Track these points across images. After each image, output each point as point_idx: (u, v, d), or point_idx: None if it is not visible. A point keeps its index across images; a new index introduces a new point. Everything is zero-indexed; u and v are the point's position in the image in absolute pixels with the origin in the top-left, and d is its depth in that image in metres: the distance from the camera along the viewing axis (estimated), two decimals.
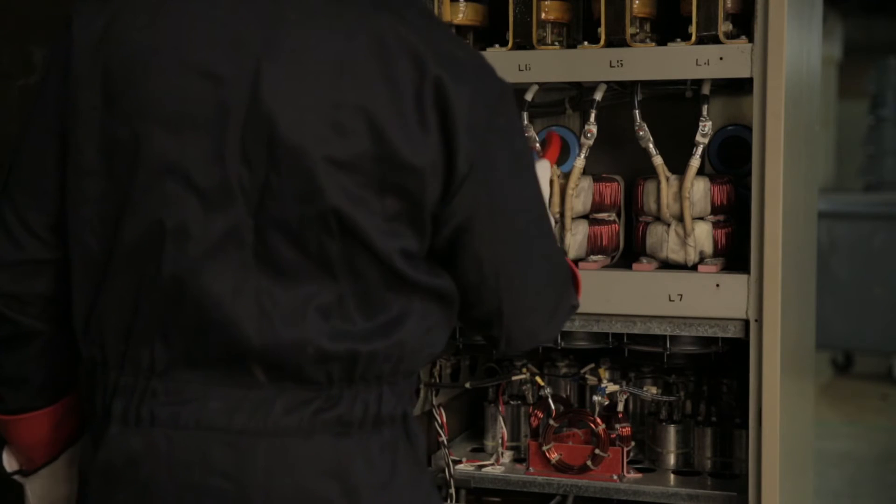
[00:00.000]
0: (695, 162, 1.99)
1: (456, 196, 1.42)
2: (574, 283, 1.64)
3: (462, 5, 2.12)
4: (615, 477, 2.11)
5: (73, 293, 1.47)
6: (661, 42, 2.01)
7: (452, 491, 2.16)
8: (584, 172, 2.06)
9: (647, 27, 2.06)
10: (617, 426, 2.13)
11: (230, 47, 1.38)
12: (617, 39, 2.01)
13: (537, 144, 2.09)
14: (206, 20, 1.40)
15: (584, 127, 2.05)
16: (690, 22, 1.97)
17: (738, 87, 2.16)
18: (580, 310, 2.01)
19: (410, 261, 1.43)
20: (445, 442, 2.21)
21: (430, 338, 1.49)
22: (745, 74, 1.92)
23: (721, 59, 1.93)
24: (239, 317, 1.39)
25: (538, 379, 2.21)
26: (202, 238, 1.38)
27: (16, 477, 1.64)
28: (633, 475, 2.13)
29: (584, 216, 2.10)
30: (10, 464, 1.64)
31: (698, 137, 1.98)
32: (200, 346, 1.41)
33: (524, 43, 2.06)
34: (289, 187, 1.37)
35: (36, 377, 1.55)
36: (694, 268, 2.00)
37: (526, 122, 2.08)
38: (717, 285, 1.95)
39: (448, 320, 1.51)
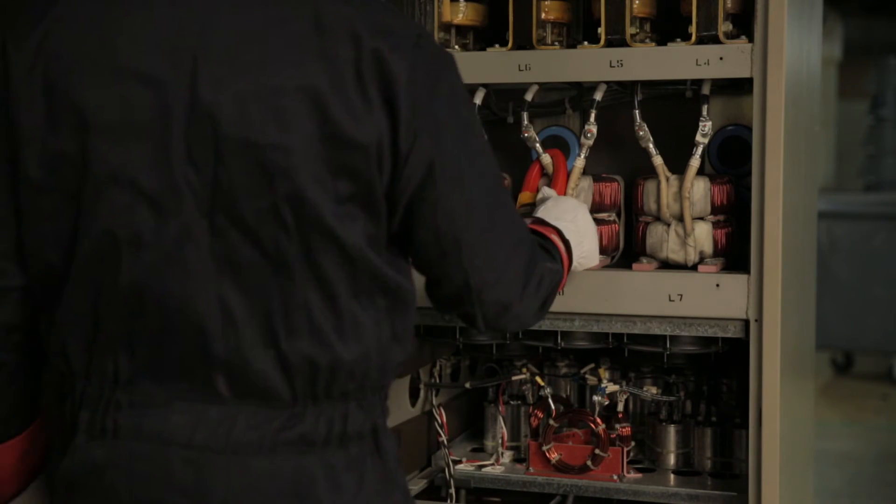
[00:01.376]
0: (695, 162, 1.99)
1: (405, 168, 1.40)
2: (557, 256, 1.65)
3: (462, 5, 2.12)
4: (615, 477, 2.11)
5: (35, 307, 1.45)
6: (661, 42, 2.01)
7: (452, 491, 2.16)
8: (584, 172, 2.06)
9: (647, 27, 2.06)
10: (617, 426, 2.13)
11: (165, 48, 1.37)
12: (617, 39, 2.01)
13: (538, 144, 2.09)
14: (139, 24, 1.38)
15: (584, 127, 2.05)
16: (690, 22, 1.97)
17: (738, 87, 2.16)
18: (580, 309, 2.02)
19: (370, 247, 1.41)
20: (445, 442, 2.21)
21: (395, 346, 1.47)
22: (745, 74, 1.92)
23: (721, 59, 1.93)
24: (202, 321, 1.38)
25: (538, 379, 2.21)
26: (156, 244, 1.38)
27: None
28: (633, 475, 2.13)
29: None
30: None
31: (698, 137, 1.98)
32: (164, 356, 1.40)
33: (524, 43, 2.06)
34: (239, 182, 1.36)
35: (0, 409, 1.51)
36: (694, 268, 2.00)
37: (526, 122, 2.08)
38: (717, 285, 1.95)
39: (409, 326, 1.49)
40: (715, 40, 1.95)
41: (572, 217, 1.86)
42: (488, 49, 2.09)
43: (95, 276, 1.40)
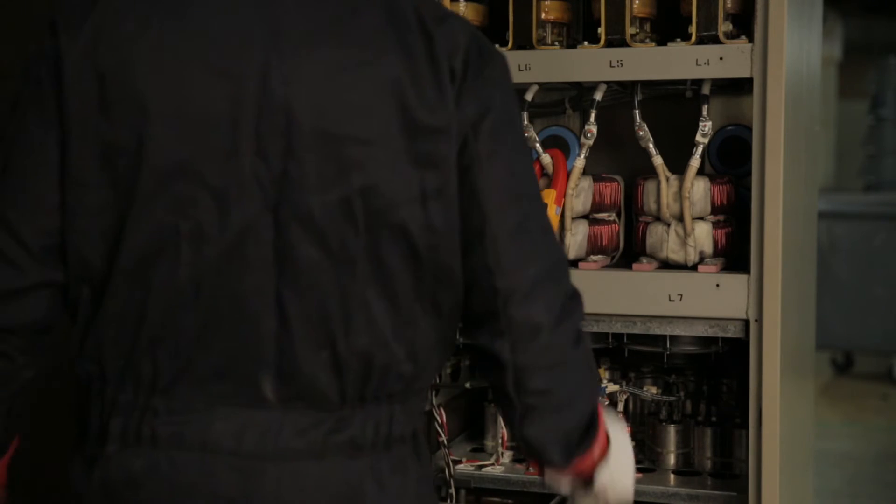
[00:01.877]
0: (695, 162, 1.99)
1: (467, 145, 1.39)
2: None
3: (462, 5, 2.12)
4: None
5: (69, 309, 1.41)
6: (661, 42, 2.01)
7: (452, 491, 2.16)
8: (584, 172, 2.06)
9: (647, 27, 2.06)
10: None
11: (233, 40, 1.35)
12: (617, 39, 2.01)
13: (538, 144, 2.09)
14: (204, 15, 1.36)
15: (584, 127, 2.05)
16: (690, 22, 1.97)
17: (738, 87, 2.16)
18: None
19: (439, 244, 1.39)
20: (445, 442, 2.21)
21: (442, 349, 1.45)
22: (745, 74, 1.92)
23: (721, 59, 1.93)
24: (256, 319, 1.35)
25: None
26: (219, 238, 1.34)
27: None
28: None
29: (584, 216, 2.10)
30: None
31: (698, 137, 1.98)
32: (209, 357, 1.36)
33: (524, 43, 2.06)
34: (311, 175, 1.34)
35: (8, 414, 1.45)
36: (694, 268, 2.00)
37: (526, 122, 2.08)
38: (717, 285, 1.95)
39: (456, 329, 1.47)
40: (715, 40, 1.95)
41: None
42: None
43: (147, 272, 1.35)
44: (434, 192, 1.38)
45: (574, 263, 2.06)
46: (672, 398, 2.21)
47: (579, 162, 2.05)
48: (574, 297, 1.48)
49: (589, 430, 1.49)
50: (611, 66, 2.00)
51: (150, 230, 1.35)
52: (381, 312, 1.38)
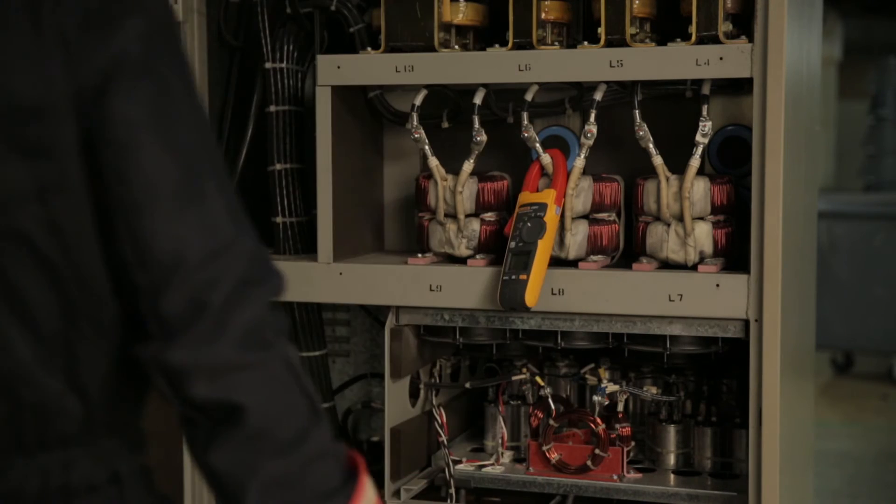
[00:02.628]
0: (695, 162, 1.99)
1: (91, 121, 1.14)
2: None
3: (462, 5, 2.12)
4: (615, 477, 2.11)
5: None
6: (661, 42, 2.01)
7: (452, 491, 2.16)
8: (584, 172, 2.06)
9: (647, 27, 2.06)
10: (617, 426, 2.13)
11: None
12: (617, 39, 2.01)
13: (538, 144, 2.09)
14: None
15: (584, 127, 2.05)
16: (690, 22, 1.97)
17: (738, 87, 2.16)
18: (580, 309, 2.02)
19: (63, 239, 1.15)
20: (445, 442, 2.21)
21: (120, 378, 1.22)
22: (745, 74, 1.92)
23: (721, 59, 1.93)
24: None
25: (538, 379, 2.21)
26: None
27: None
28: (633, 475, 2.13)
29: (584, 216, 2.10)
30: None
31: (698, 137, 1.98)
32: None
33: (524, 43, 2.06)
34: None
35: None
36: (694, 268, 2.00)
37: (526, 122, 2.08)
38: (717, 285, 1.95)
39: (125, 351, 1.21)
40: (715, 40, 1.95)
41: None
42: (488, 49, 2.09)
43: None
44: (54, 186, 1.13)
45: (574, 263, 2.06)
46: (672, 398, 2.21)
47: (579, 162, 2.05)
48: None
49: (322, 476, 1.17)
50: (611, 66, 1.99)
51: None
52: (19, 341, 1.16)
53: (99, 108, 1.13)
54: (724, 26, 1.95)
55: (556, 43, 2.09)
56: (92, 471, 1.21)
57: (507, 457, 2.24)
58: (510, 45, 2.07)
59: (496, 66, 2.06)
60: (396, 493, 2.15)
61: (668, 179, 2.02)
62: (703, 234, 2.01)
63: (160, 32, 1.18)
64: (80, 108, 1.13)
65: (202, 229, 1.17)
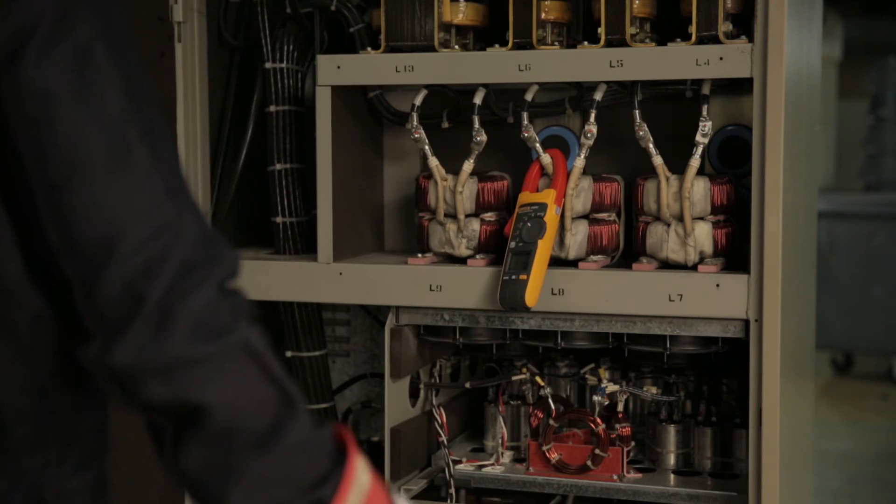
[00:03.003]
0: (695, 162, 1.99)
1: None
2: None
3: (462, 5, 2.12)
4: (615, 477, 2.11)
5: None
6: (661, 42, 2.01)
7: (452, 491, 2.16)
8: (584, 172, 2.06)
9: (647, 27, 2.06)
10: (617, 426, 2.13)
11: None
12: (617, 39, 2.01)
13: (538, 144, 2.09)
14: None
15: (584, 127, 2.05)
16: (690, 22, 1.97)
17: (738, 87, 2.16)
18: (580, 309, 2.02)
19: None
20: (445, 442, 2.21)
21: (54, 388, 1.11)
22: (745, 74, 1.92)
23: (721, 59, 1.93)
24: None
25: (538, 379, 2.21)
26: None
27: None
28: (633, 475, 2.13)
29: (584, 216, 2.10)
30: None
31: (698, 137, 1.98)
32: None
33: (524, 43, 2.06)
34: None
35: None
36: (694, 268, 2.00)
37: (526, 122, 2.08)
38: (717, 285, 1.95)
39: (68, 358, 1.10)
40: (715, 40, 1.95)
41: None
42: (488, 49, 2.09)
43: None
44: None
45: (574, 263, 2.06)
46: (672, 398, 2.21)
47: (579, 162, 2.05)
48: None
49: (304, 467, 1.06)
50: (611, 66, 1.99)
51: None
52: None
53: (8, 81, 1.03)
54: (724, 26, 1.95)
55: (556, 43, 2.09)
56: (9, 490, 1.10)
57: (507, 457, 2.24)
58: (510, 45, 2.07)
59: (496, 66, 2.06)
60: (396, 493, 2.15)
61: (668, 179, 2.02)
62: (703, 234, 2.01)
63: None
64: None
65: (135, 207, 1.04)
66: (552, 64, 2.03)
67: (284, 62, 2.27)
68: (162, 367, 1.02)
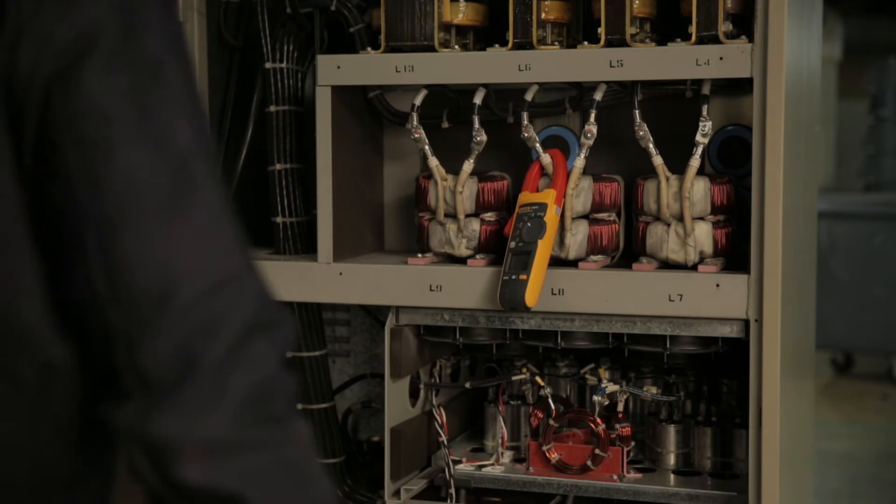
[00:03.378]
0: (695, 162, 1.99)
1: (44, 120, 0.90)
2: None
3: (462, 5, 2.12)
4: (615, 477, 2.11)
5: None
6: (661, 42, 2.01)
7: (452, 491, 2.16)
8: (584, 172, 2.06)
9: (647, 27, 2.06)
10: (617, 426, 2.13)
11: None
12: (617, 39, 2.01)
13: (538, 144, 2.09)
14: None
15: (584, 127, 2.05)
16: (690, 22, 1.97)
17: (738, 87, 2.16)
18: (580, 309, 2.02)
19: None
20: (445, 442, 2.21)
21: (63, 449, 0.97)
22: (745, 74, 1.92)
23: (721, 59, 1.93)
24: None
25: (538, 379, 2.21)
26: None
27: None
28: (633, 475, 2.13)
29: (584, 216, 2.10)
30: None
31: (698, 137, 1.98)
32: None
33: (524, 43, 2.06)
34: None
35: None
36: (694, 268, 2.00)
37: (526, 122, 2.08)
38: (717, 285, 1.95)
39: (65, 415, 0.96)
40: (715, 40, 1.95)
41: None
42: (488, 49, 2.09)
43: None
44: None
45: (574, 263, 2.06)
46: (672, 398, 2.21)
47: (579, 162, 2.05)
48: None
49: None
50: (611, 66, 1.99)
51: None
52: None
53: (60, 98, 0.88)
54: (724, 26, 1.95)
55: (556, 43, 2.09)
56: None
57: (507, 457, 2.24)
58: (510, 45, 2.07)
59: (496, 66, 2.06)
60: (396, 493, 2.15)
61: (668, 179, 2.02)
62: (703, 234, 2.01)
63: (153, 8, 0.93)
64: (28, 97, 0.89)
65: (196, 256, 0.91)
66: (552, 64, 2.03)
67: (284, 62, 2.27)
68: (206, 444, 0.88)
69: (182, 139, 0.92)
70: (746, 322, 1.94)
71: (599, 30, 2.02)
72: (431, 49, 2.10)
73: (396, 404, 2.18)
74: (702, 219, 2.03)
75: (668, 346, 2.05)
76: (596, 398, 2.15)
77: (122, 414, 0.89)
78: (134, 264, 0.89)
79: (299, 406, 2.34)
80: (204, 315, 0.89)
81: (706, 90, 2.01)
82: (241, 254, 0.93)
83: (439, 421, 2.23)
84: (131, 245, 0.89)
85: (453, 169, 2.13)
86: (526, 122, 2.08)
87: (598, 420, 2.12)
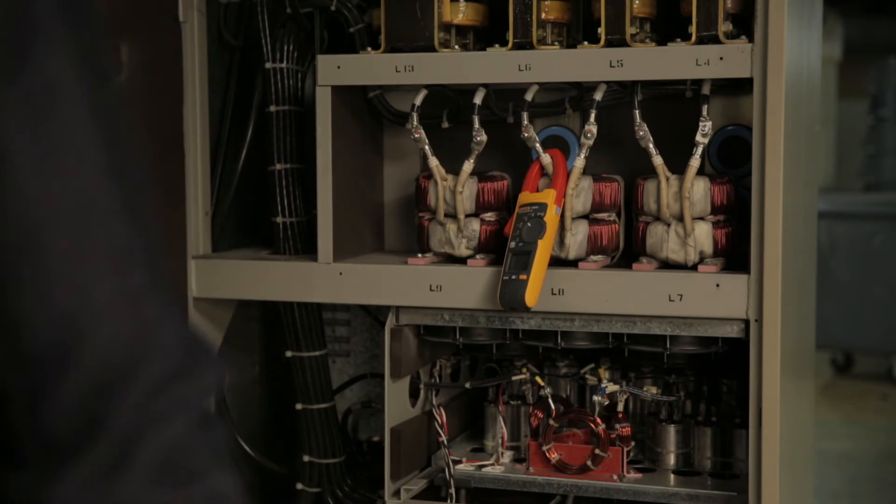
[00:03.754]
0: (695, 162, 1.99)
1: None
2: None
3: (462, 5, 2.12)
4: (615, 477, 2.11)
5: None
6: (661, 42, 2.01)
7: (452, 491, 2.16)
8: (584, 172, 2.06)
9: (647, 27, 2.06)
10: (617, 426, 2.13)
11: None
12: (617, 39, 2.01)
13: (538, 144, 2.09)
14: None
15: (584, 127, 2.05)
16: (690, 22, 1.97)
17: (738, 87, 2.16)
18: (580, 309, 2.02)
19: None
20: (445, 442, 2.21)
21: None
22: (745, 74, 1.92)
23: (721, 59, 1.93)
24: None
25: (538, 379, 2.21)
26: None
27: None
28: (633, 475, 2.13)
29: (584, 216, 2.10)
30: None
31: (698, 137, 1.98)
32: None
33: (524, 43, 2.06)
34: None
35: None
36: (694, 268, 2.00)
37: (526, 122, 2.08)
38: (717, 285, 1.95)
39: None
40: (715, 40, 1.95)
41: None
42: (488, 49, 2.09)
43: None
44: None
45: (574, 263, 2.06)
46: (672, 398, 2.21)
47: (579, 162, 2.05)
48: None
49: None
50: (611, 66, 1.99)
51: None
52: None
53: None
54: (724, 26, 1.95)
55: (556, 43, 2.09)
56: None
57: (507, 457, 2.24)
58: (510, 45, 2.07)
59: (496, 66, 2.06)
60: (396, 493, 2.15)
61: (668, 179, 2.02)
62: (703, 234, 2.01)
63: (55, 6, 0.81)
64: None
65: (101, 302, 0.80)
66: (552, 64, 2.03)
67: (284, 62, 2.27)
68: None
69: (87, 166, 0.81)
70: (746, 322, 1.94)
71: (599, 30, 2.02)
72: (431, 49, 2.10)
73: (396, 404, 2.18)
74: (702, 219, 2.03)
75: (668, 346, 2.05)
76: (596, 398, 2.15)
77: (16, 480, 0.80)
78: (31, 314, 0.79)
79: (298, 406, 2.35)
80: (108, 370, 0.79)
81: (706, 90, 2.01)
82: (156, 297, 0.83)
83: (439, 421, 2.23)
84: (27, 292, 0.79)
85: (453, 169, 2.13)
86: (526, 122, 2.08)
87: (598, 420, 2.12)
